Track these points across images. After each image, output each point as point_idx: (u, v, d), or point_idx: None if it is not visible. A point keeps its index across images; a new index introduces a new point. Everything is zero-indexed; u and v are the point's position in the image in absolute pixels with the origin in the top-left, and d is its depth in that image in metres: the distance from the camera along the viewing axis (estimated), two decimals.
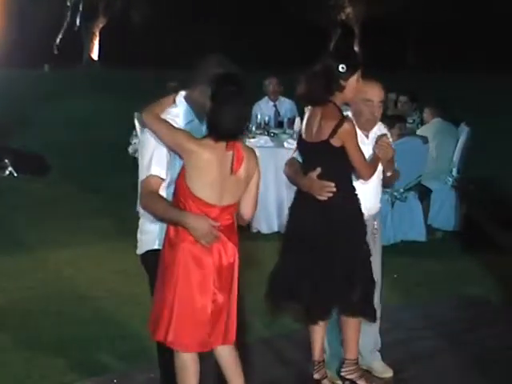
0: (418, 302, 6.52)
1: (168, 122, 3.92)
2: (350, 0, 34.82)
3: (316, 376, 4.77)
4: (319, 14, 33.68)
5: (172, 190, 3.91)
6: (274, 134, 9.06)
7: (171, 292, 3.85)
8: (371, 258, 4.65)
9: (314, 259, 4.52)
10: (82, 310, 6.18)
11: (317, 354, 4.76)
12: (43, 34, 31.29)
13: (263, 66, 17.58)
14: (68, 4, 33.82)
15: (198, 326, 3.87)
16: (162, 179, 3.94)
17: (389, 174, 4.79)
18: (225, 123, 3.77)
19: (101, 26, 34.84)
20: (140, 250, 4.13)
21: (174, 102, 4.06)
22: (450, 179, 8.77)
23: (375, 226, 4.79)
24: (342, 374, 4.76)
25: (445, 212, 8.77)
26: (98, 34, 34.77)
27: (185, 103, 4.05)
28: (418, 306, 6.38)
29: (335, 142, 4.42)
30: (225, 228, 3.88)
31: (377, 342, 5.02)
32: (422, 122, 9.13)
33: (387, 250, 6.97)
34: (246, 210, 3.99)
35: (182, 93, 4.09)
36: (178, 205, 3.84)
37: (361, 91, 4.56)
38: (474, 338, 5.61)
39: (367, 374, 4.90)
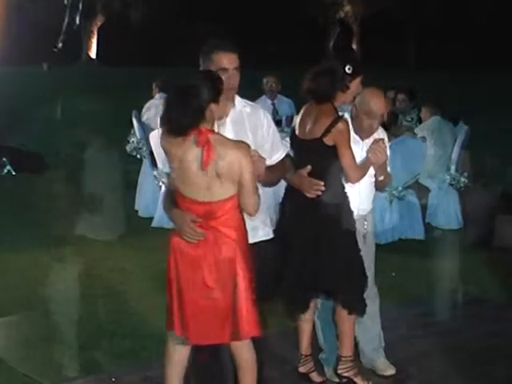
0: (417, 301, 6.52)
1: None
2: None
3: (301, 369, 4.83)
4: (318, 13, 33.75)
5: None
6: None
7: (169, 287, 3.97)
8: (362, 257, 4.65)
9: (302, 254, 4.52)
10: (80, 308, 6.18)
11: (304, 348, 4.81)
12: (42, 32, 31.27)
13: (262, 65, 17.56)
14: (66, 2, 33.81)
15: (189, 318, 3.91)
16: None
17: (380, 178, 4.79)
18: (164, 122, 3.85)
19: (99, 24, 34.84)
20: None
21: None
22: (448, 177, 8.77)
23: (365, 226, 4.79)
24: (339, 371, 4.76)
25: (443, 210, 8.78)
26: (96, 32, 34.77)
27: None
28: (416, 305, 6.38)
29: (328, 140, 4.45)
30: (219, 224, 3.87)
31: (380, 340, 5.02)
32: (421, 121, 9.13)
33: (386, 249, 7.03)
34: (245, 207, 3.96)
35: None
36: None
37: (364, 101, 4.57)
38: (473, 336, 5.61)
39: (364, 371, 4.90)
